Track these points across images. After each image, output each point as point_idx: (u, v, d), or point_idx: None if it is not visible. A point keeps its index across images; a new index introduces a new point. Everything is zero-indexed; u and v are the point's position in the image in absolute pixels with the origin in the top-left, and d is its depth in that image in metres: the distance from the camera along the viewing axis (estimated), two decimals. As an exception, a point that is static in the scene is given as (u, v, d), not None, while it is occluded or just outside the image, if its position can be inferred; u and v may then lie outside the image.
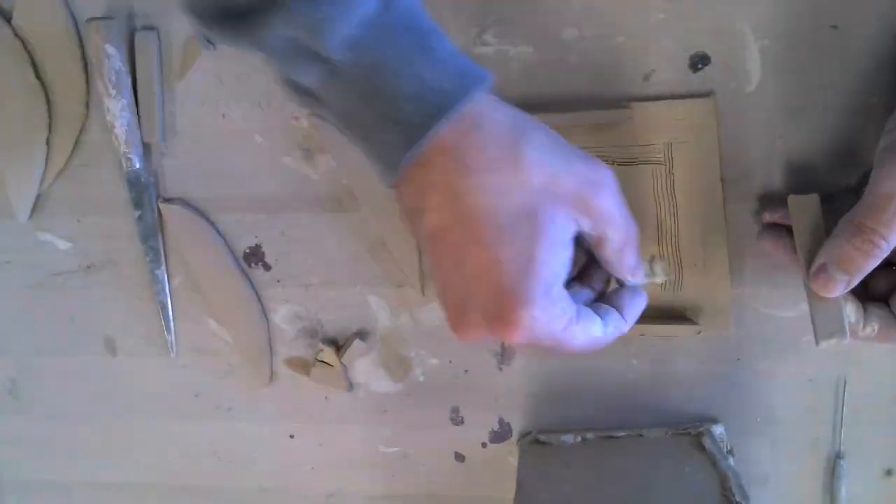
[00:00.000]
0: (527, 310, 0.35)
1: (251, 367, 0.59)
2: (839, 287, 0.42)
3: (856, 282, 0.42)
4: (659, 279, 0.45)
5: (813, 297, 0.43)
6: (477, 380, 0.57)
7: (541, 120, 0.50)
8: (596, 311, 0.41)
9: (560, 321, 0.37)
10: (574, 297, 0.39)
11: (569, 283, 0.42)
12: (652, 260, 0.45)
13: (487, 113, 0.36)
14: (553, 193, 0.36)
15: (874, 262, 0.41)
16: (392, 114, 0.35)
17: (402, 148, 0.36)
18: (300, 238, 0.56)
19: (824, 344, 0.43)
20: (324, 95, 0.38)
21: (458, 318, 0.38)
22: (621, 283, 0.43)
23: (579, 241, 0.40)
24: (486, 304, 0.36)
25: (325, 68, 0.36)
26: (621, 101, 0.50)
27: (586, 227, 0.38)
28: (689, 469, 0.49)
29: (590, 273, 0.44)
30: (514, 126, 0.37)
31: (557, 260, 0.36)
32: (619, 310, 0.42)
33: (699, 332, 0.51)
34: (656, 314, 0.52)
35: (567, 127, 0.50)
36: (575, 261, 0.39)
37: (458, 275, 0.37)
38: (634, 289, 0.43)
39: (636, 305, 0.43)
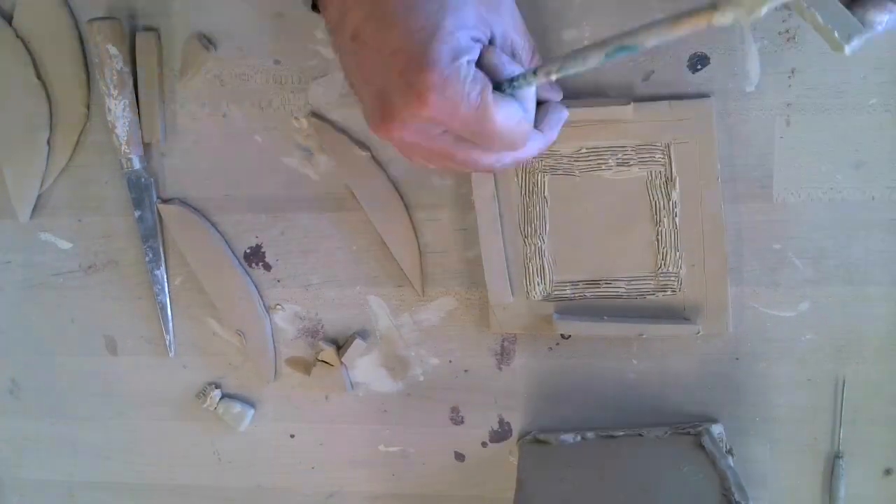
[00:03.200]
0: (435, 70, 0.37)
1: (254, 366, 0.59)
2: None
3: None
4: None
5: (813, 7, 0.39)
6: (477, 379, 0.57)
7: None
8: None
9: (473, 88, 0.37)
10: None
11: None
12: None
13: None
14: None
15: None
16: None
17: None
18: (300, 238, 0.57)
19: (849, 49, 0.38)
20: None
21: (378, 108, 0.39)
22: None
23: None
24: (400, 77, 0.37)
25: None
26: (621, 101, 0.50)
27: (496, 32, 0.40)
28: (688, 468, 0.49)
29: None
30: None
31: (464, 35, 0.38)
32: (539, 125, 0.43)
33: (698, 333, 0.52)
34: (655, 314, 0.52)
35: (567, 126, 0.50)
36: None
37: (377, 61, 0.38)
38: (555, 104, 0.45)
39: (556, 116, 0.44)
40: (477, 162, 0.41)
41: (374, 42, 0.38)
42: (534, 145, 0.42)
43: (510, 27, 0.41)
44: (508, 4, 0.42)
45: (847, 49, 0.38)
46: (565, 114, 0.45)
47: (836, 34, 0.38)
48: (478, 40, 0.39)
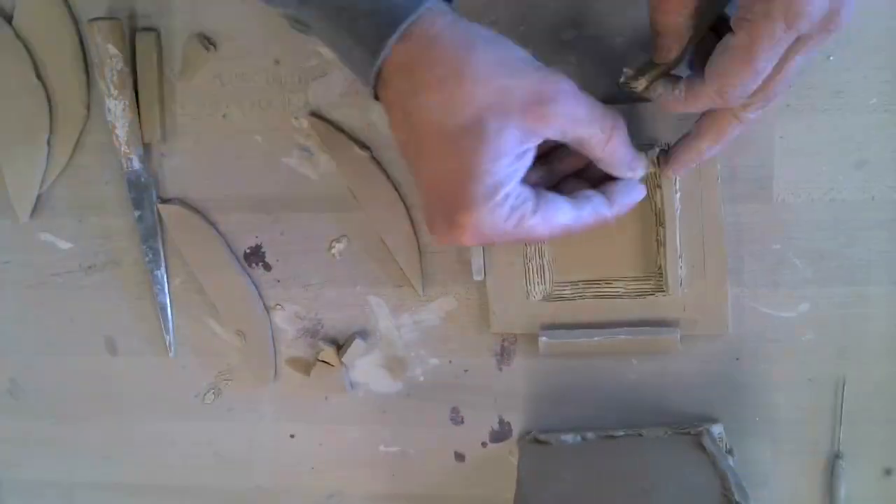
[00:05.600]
0: (469, 214, 0.38)
1: (255, 366, 0.59)
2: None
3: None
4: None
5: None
6: (477, 380, 0.57)
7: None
8: (574, 197, 0.43)
9: (509, 221, 0.39)
10: (539, 185, 0.42)
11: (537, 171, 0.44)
12: (650, 150, 0.46)
13: (440, 29, 0.38)
14: (501, 107, 0.38)
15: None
16: (354, 31, 0.38)
17: (369, 64, 0.38)
18: (300, 238, 0.57)
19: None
20: (305, 19, 0.41)
21: (428, 221, 0.41)
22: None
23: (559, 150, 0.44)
24: (440, 209, 0.39)
25: None
26: (621, 103, 0.50)
27: (553, 135, 0.39)
28: (688, 469, 0.49)
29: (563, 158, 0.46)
30: (465, 42, 0.38)
31: (504, 169, 0.38)
32: (608, 195, 0.44)
33: (680, 338, 0.51)
34: (653, 316, 0.52)
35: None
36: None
37: (421, 181, 0.40)
38: (632, 181, 0.44)
39: (629, 194, 0.44)
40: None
41: (416, 167, 0.40)
42: (588, 218, 0.42)
43: (569, 123, 0.39)
44: (565, 98, 0.39)
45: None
46: (641, 193, 0.45)
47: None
48: (525, 153, 0.39)
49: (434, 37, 0.38)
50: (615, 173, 0.43)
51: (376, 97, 0.41)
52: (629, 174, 0.44)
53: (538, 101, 0.38)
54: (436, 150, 0.38)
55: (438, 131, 0.38)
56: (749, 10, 0.37)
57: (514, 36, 0.50)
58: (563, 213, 0.41)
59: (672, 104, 0.43)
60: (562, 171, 0.46)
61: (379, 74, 0.39)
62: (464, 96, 0.37)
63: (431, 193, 0.39)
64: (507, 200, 0.39)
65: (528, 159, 0.39)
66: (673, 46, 0.42)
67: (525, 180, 0.40)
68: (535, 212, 0.40)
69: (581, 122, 0.40)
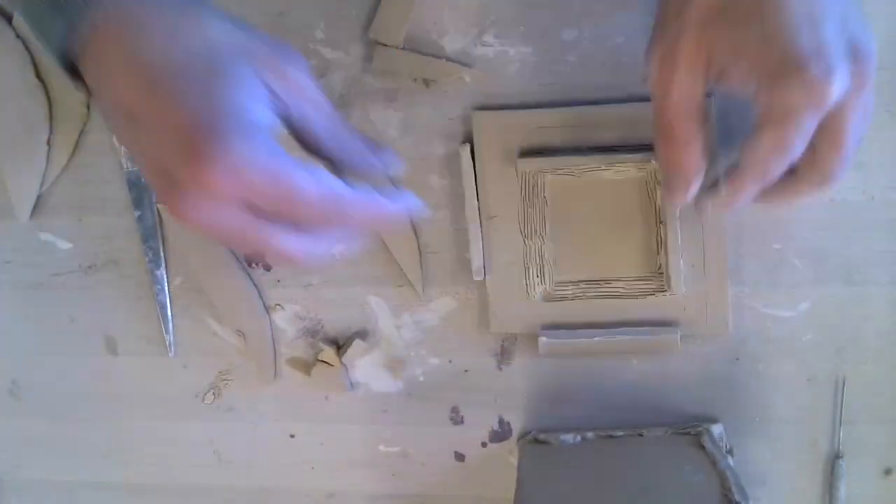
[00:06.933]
0: (216, 135, 0.32)
1: (255, 366, 0.59)
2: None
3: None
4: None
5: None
6: (477, 379, 0.57)
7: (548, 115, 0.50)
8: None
9: (270, 156, 0.33)
10: None
11: None
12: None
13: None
14: (239, 49, 0.35)
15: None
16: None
17: (66, 30, 0.35)
18: (300, 238, 0.57)
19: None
20: None
21: (166, 190, 0.34)
22: None
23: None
24: (184, 150, 0.33)
25: None
26: (621, 103, 0.50)
27: (285, 97, 0.36)
28: (688, 468, 0.49)
29: None
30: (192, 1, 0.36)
31: (249, 100, 0.34)
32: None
33: (680, 338, 0.51)
34: (654, 316, 0.52)
35: (567, 126, 0.50)
36: None
37: (152, 131, 0.34)
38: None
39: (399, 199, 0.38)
40: (289, 247, 0.36)
41: (144, 110, 0.34)
42: (363, 198, 0.36)
43: (301, 92, 0.37)
44: (304, 69, 0.37)
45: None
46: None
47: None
48: (264, 101, 0.35)
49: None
50: (337, 156, 0.39)
51: (73, 80, 0.36)
52: (361, 167, 0.40)
53: (278, 57, 0.36)
54: (166, 78, 0.33)
55: (169, 60, 0.34)
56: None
57: (514, 36, 0.51)
58: (333, 179, 0.35)
59: (719, 206, 0.43)
60: None
61: (85, 37, 0.35)
62: (191, 27, 0.35)
63: (172, 138, 0.33)
64: (265, 138, 0.33)
65: (269, 119, 0.35)
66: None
67: None
68: (293, 160, 0.34)
69: (312, 96, 0.37)
